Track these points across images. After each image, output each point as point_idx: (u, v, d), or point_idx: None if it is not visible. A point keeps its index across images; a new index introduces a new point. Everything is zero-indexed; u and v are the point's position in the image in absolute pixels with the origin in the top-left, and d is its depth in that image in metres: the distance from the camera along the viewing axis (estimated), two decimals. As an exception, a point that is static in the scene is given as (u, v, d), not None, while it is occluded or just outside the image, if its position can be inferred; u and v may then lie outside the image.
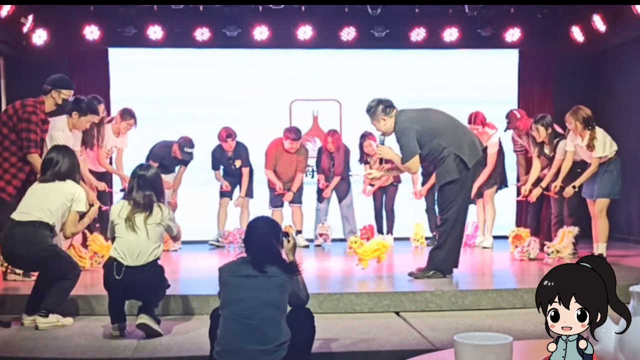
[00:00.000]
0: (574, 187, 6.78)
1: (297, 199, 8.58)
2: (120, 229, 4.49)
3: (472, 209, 7.26)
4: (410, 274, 6.02)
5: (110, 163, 7.88)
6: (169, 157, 8.24)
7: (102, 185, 7.21)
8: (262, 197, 8.66)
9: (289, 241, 3.70)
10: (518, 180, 8.25)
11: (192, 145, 8.20)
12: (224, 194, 8.63)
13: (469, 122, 7.86)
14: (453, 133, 5.88)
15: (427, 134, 5.79)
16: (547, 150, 7.25)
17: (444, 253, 5.87)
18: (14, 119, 5.62)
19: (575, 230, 6.92)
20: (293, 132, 8.36)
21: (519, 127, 7.69)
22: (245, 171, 8.51)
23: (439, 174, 5.85)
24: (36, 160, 5.68)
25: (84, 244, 6.77)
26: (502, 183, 8.31)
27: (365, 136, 8.33)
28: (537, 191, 7.26)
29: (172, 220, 4.64)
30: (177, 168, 8.43)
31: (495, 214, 8.32)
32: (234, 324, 3.35)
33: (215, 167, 8.55)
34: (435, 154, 5.80)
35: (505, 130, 7.93)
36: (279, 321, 3.39)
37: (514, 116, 7.74)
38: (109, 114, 8.29)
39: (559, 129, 7.29)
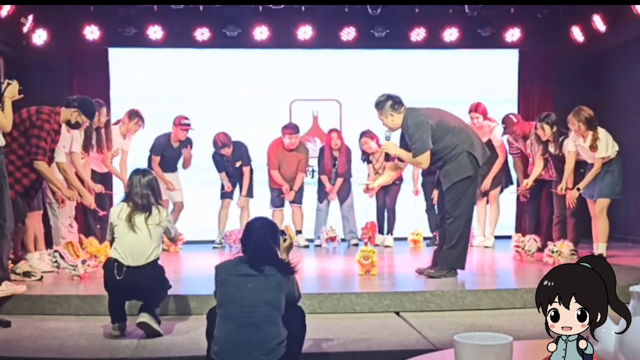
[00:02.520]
0: (578, 189, 6.77)
1: (297, 199, 8.58)
2: (119, 229, 4.52)
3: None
4: (420, 272, 6.03)
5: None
6: (170, 147, 8.18)
7: (98, 187, 7.20)
8: (263, 197, 8.66)
9: (284, 240, 3.72)
10: (518, 185, 8.25)
11: (187, 118, 8.13)
12: (225, 195, 8.62)
13: (470, 111, 7.99)
14: (465, 132, 5.93)
15: (440, 130, 5.82)
16: (551, 148, 7.22)
17: (458, 252, 5.89)
18: (27, 123, 5.60)
19: (571, 245, 6.99)
20: (291, 128, 8.37)
21: (516, 131, 7.69)
22: (246, 170, 8.50)
23: (451, 171, 5.84)
24: (43, 168, 5.67)
25: (82, 246, 6.76)
26: (508, 182, 8.34)
27: (363, 134, 8.32)
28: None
29: (170, 221, 4.71)
30: (179, 165, 8.36)
31: (499, 214, 8.36)
32: (233, 323, 3.36)
33: (220, 170, 8.54)
34: (447, 150, 5.82)
35: (502, 135, 7.95)
36: (277, 320, 3.40)
37: (511, 121, 7.74)
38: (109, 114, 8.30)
39: None
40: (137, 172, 4.74)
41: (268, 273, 3.42)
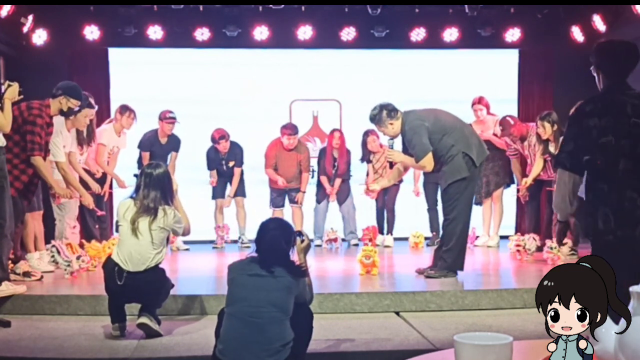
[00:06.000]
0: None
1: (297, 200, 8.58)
2: (123, 231, 4.46)
3: (476, 211, 7.27)
4: (420, 272, 6.03)
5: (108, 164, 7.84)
6: (158, 143, 8.11)
7: (96, 187, 7.19)
8: (262, 197, 8.66)
9: (302, 241, 3.69)
10: (518, 184, 8.27)
11: (172, 112, 8.07)
12: (216, 195, 8.61)
13: (474, 104, 8.11)
14: (461, 132, 5.90)
15: (436, 132, 5.80)
16: (552, 148, 7.22)
17: (455, 254, 5.88)
18: (19, 120, 5.59)
19: (571, 244, 7.02)
20: (289, 128, 8.36)
21: (513, 133, 7.69)
22: (237, 171, 8.48)
23: (447, 172, 5.84)
24: (40, 163, 5.67)
25: (82, 246, 6.75)
26: (511, 181, 8.35)
27: (368, 133, 8.31)
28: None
29: (178, 222, 4.54)
30: (168, 158, 8.20)
31: (502, 214, 8.38)
32: (239, 322, 3.36)
33: (210, 167, 8.53)
34: (443, 152, 5.80)
35: (500, 138, 7.96)
36: (283, 322, 3.39)
37: (508, 123, 7.74)
38: (108, 112, 8.31)
39: None
40: (148, 166, 4.62)
41: (278, 274, 3.41)
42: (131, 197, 4.54)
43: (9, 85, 5.16)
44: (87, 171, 7.31)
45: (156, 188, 4.45)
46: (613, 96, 3.40)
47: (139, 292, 4.43)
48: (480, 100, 8.15)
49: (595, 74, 3.59)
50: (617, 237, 3.28)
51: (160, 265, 4.59)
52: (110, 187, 8.04)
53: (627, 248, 3.27)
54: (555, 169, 3.52)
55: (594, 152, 3.29)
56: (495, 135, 8.00)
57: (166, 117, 8.03)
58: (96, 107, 7.37)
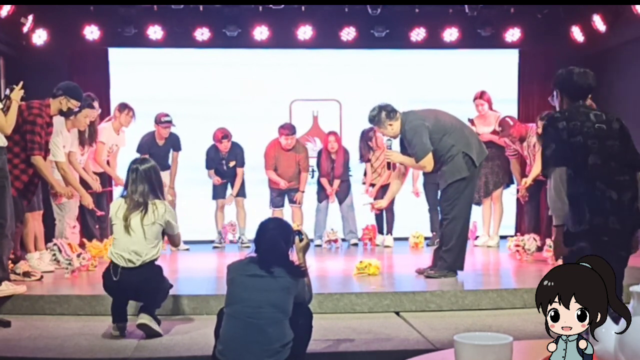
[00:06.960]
0: None
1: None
2: (117, 229, 4.49)
3: (476, 210, 7.27)
4: (420, 272, 6.03)
5: (108, 163, 7.84)
6: (155, 145, 8.09)
7: (96, 186, 7.19)
8: (262, 197, 8.66)
9: (301, 240, 3.69)
10: (517, 184, 8.27)
11: (167, 115, 8.04)
12: (218, 195, 8.61)
13: (475, 98, 8.12)
14: (461, 132, 5.91)
15: (436, 132, 5.80)
16: None
17: (455, 254, 5.87)
18: (19, 120, 5.58)
19: None
20: (287, 128, 8.36)
21: (513, 133, 7.69)
22: (239, 171, 8.48)
23: (447, 172, 5.84)
24: (40, 162, 5.68)
25: (82, 246, 6.75)
26: (510, 181, 8.34)
27: (372, 130, 8.20)
28: None
29: (172, 215, 4.55)
30: (169, 157, 8.22)
31: (502, 214, 8.37)
32: (238, 322, 3.36)
33: (209, 166, 8.51)
34: (443, 152, 5.81)
35: (499, 138, 7.95)
36: (283, 322, 3.39)
37: (507, 123, 7.73)
38: (108, 112, 8.32)
39: None
40: (134, 161, 4.62)
41: (277, 275, 3.41)
42: (122, 196, 4.58)
43: (12, 89, 5.17)
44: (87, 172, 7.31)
45: (143, 182, 4.47)
46: (577, 109, 3.81)
47: (135, 288, 4.43)
48: (482, 95, 8.16)
49: (556, 97, 3.98)
50: (593, 226, 3.60)
51: (159, 265, 4.61)
52: (110, 185, 8.04)
53: (603, 236, 3.60)
54: (545, 175, 3.72)
55: (569, 151, 3.63)
56: (495, 132, 8.00)
57: (161, 122, 8.02)
58: (99, 110, 7.38)
